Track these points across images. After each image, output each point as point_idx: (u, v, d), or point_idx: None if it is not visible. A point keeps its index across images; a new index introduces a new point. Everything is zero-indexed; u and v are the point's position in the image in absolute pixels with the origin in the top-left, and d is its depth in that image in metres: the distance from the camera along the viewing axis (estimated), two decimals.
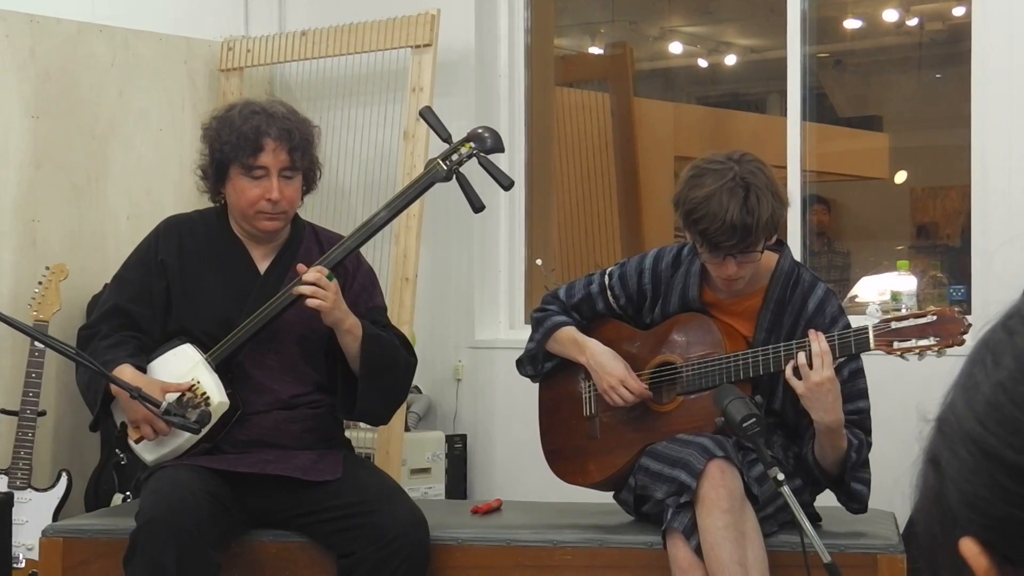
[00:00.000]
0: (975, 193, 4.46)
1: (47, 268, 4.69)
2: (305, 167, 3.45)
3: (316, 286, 3.29)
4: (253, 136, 3.36)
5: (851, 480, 3.19)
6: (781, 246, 3.33)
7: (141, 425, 3.32)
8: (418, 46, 5.08)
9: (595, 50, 8.31)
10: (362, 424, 4.95)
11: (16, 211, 4.88)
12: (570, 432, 3.50)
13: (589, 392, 3.46)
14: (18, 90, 4.90)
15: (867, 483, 3.22)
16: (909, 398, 3.72)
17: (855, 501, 3.22)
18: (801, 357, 3.06)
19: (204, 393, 3.30)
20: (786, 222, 3.75)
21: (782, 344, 3.16)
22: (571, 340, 3.43)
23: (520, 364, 3.56)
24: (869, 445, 3.22)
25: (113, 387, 3.25)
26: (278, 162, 3.38)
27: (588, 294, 3.46)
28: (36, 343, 4.41)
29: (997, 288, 4.23)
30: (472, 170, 3.46)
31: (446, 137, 3.47)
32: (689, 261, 3.33)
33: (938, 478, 0.79)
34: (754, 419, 2.89)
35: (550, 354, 3.49)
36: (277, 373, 3.43)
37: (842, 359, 3.13)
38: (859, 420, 3.20)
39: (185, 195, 4.98)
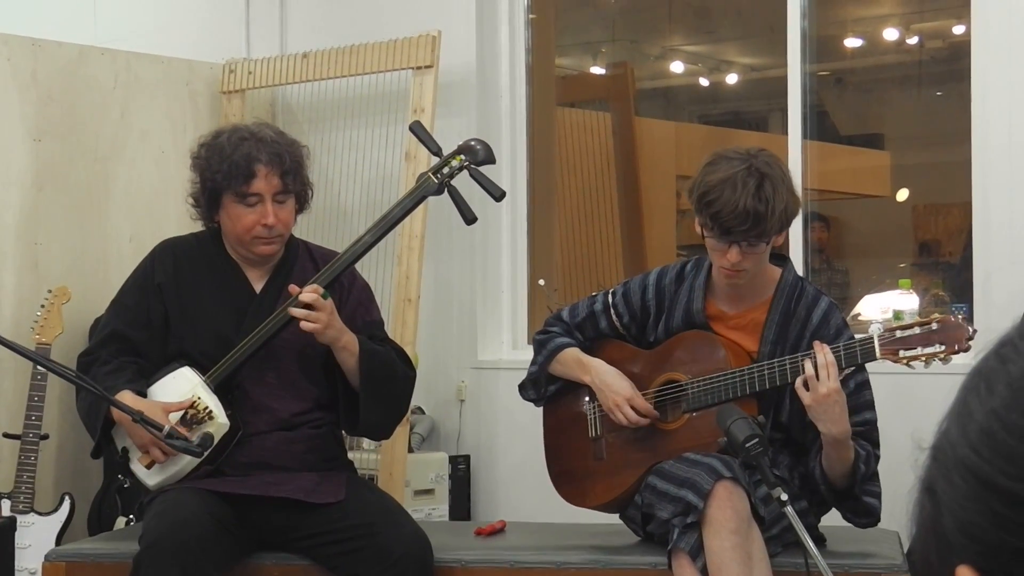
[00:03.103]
0: (976, 210, 4.46)
1: (49, 291, 4.68)
2: (297, 189, 3.46)
3: (311, 307, 3.29)
4: (244, 163, 3.37)
5: (862, 494, 3.18)
6: (784, 260, 3.33)
7: (150, 448, 3.32)
8: (419, 67, 5.09)
9: (596, 70, 8.32)
10: (365, 445, 4.95)
11: (18, 233, 4.89)
12: (576, 453, 3.48)
13: (594, 413, 3.44)
14: (20, 112, 4.92)
15: (878, 496, 3.21)
16: (912, 416, 3.72)
17: (867, 515, 3.21)
18: (809, 368, 3.06)
19: (207, 407, 3.30)
20: (788, 237, 3.76)
21: (787, 357, 3.15)
22: (575, 360, 3.42)
23: (523, 388, 3.55)
24: (877, 457, 3.21)
25: (115, 412, 3.26)
26: (271, 187, 3.39)
27: (591, 313, 3.46)
28: (38, 366, 4.41)
29: (999, 306, 4.23)
30: (465, 184, 3.47)
31: (436, 150, 3.48)
32: (692, 275, 3.34)
33: (934, 506, 0.79)
34: (757, 439, 2.89)
35: (553, 376, 3.48)
36: (276, 391, 3.43)
37: (848, 370, 3.13)
38: (865, 432, 3.19)
39: (187, 217, 4.96)
